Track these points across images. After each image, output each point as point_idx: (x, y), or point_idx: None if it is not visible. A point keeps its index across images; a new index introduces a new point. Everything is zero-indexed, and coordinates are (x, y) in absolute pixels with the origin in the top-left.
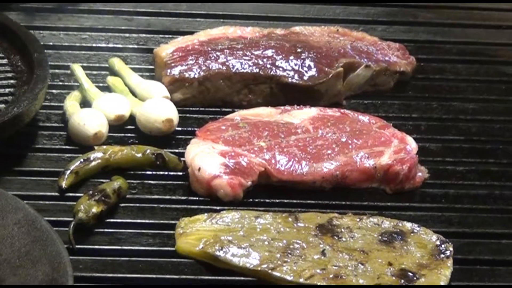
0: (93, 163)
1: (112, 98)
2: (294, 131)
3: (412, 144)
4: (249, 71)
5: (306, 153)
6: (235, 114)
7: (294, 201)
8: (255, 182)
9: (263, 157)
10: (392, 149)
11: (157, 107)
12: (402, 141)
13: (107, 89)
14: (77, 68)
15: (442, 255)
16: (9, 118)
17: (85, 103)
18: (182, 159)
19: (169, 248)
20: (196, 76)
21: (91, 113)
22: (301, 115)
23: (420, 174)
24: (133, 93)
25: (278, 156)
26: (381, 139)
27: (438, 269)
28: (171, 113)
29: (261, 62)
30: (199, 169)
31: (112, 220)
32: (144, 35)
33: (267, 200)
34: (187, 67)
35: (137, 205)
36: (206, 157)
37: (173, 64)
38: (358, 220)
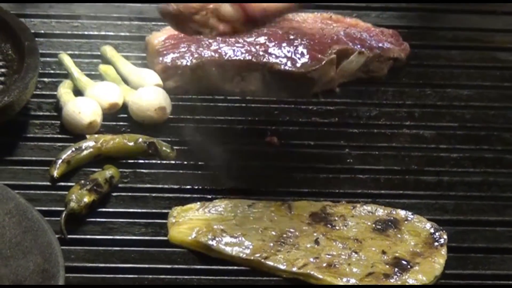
0: (85, 152)
1: (105, 87)
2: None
3: None
4: (242, 59)
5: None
6: None
7: (287, 189)
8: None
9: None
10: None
11: (150, 95)
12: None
13: (99, 77)
14: (66, 58)
15: (436, 243)
16: None
17: (76, 92)
18: (174, 147)
19: (161, 238)
20: (188, 63)
21: (87, 101)
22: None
23: None
24: (125, 81)
25: None
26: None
27: (432, 257)
28: (163, 101)
29: (253, 50)
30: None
31: (104, 209)
32: (136, 22)
33: (260, 189)
34: (179, 54)
35: (129, 194)
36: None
37: (165, 52)
38: (351, 208)
